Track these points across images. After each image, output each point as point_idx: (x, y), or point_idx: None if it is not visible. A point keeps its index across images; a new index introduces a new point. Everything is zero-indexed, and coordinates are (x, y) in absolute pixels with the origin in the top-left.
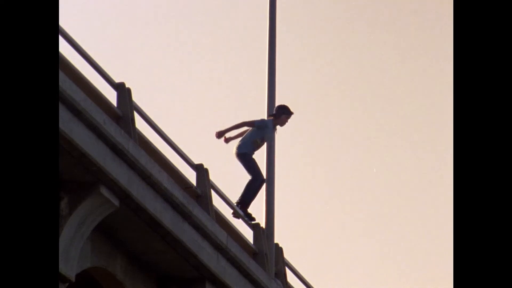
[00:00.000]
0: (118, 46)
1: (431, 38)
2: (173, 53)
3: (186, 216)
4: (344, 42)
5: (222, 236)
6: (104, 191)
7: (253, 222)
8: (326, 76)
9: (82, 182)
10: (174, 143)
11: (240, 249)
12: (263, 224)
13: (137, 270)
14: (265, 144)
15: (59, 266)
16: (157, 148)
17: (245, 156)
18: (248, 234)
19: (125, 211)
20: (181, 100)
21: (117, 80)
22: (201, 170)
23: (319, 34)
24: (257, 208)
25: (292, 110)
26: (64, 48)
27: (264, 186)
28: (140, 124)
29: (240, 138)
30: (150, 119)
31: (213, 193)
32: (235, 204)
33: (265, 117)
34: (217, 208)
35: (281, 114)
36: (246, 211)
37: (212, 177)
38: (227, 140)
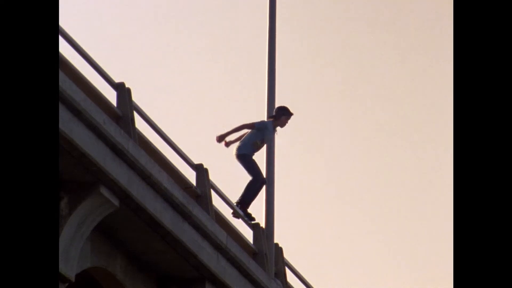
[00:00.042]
0: (118, 46)
1: (431, 38)
2: (173, 53)
3: (186, 216)
4: (344, 42)
5: (222, 236)
6: (104, 191)
7: (253, 222)
8: (326, 76)
9: (82, 182)
10: (174, 143)
11: (240, 249)
12: (263, 224)
13: (137, 270)
14: (265, 145)
15: (59, 266)
16: (157, 148)
17: (245, 157)
18: (248, 234)
19: (125, 211)
20: (181, 100)
21: (117, 80)
22: (201, 170)
23: (319, 34)
24: (257, 208)
25: (291, 111)
26: (64, 48)
27: (264, 187)
28: (140, 124)
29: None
30: (150, 119)
31: (213, 193)
32: (235, 204)
33: (265, 118)
34: (217, 208)
35: (281, 115)
36: (246, 211)
37: (212, 177)
38: (228, 144)
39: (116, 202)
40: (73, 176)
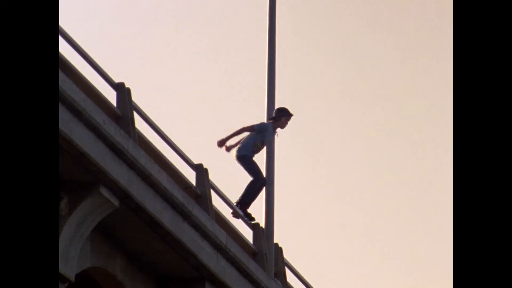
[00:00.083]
0: (118, 46)
1: (431, 38)
2: (173, 53)
3: (185, 216)
4: (344, 42)
5: (221, 236)
6: (103, 191)
7: (252, 222)
8: (326, 76)
9: (82, 182)
10: (173, 143)
11: (239, 249)
12: (262, 224)
13: (136, 270)
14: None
15: (59, 266)
16: (156, 148)
17: (245, 158)
18: (247, 234)
19: (124, 211)
20: (181, 100)
21: (116, 80)
22: (200, 170)
23: (319, 34)
24: (256, 208)
25: (291, 112)
26: (64, 48)
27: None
28: (139, 124)
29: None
30: (150, 119)
31: (212, 193)
32: (234, 204)
33: (265, 118)
34: (216, 208)
35: (280, 116)
36: (246, 211)
37: (212, 177)
38: (229, 149)
39: (116, 202)
40: (73, 176)
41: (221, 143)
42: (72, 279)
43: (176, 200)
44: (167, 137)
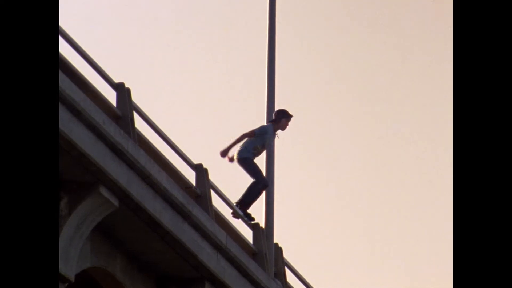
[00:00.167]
0: (118, 46)
1: (431, 38)
2: (173, 53)
3: (185, 216)
4: (344, 42)
5: (221, 236)
6: (103, 191)
7: (252, 222)
8: (326, 76)
9: (82, 182)
10: (173, 143)
11: (239, 249)
12: (262, 224)
13: (136, 270)
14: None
15: (59, 266)
16: (156, 148)
17: (246, 160)
18: (247, 234)
19: (124, 211)
20: (181, 100)
21: (116, 80)
22: (200, 170)
23: (319, 35)
24: (256, 208)
25: (291, 113)
26: (64, 48)
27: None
28: (139, 124)
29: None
30: (150, 119)
31: (212, 193)
32: (235, 204)
33: (265, 118)
34: (216, 208)
35: (280, 118)
36: (246, 211)
37: (212, 177)
38: (232, 160)
39: (115, 202)
40: (73, 176)
41: (224, 153)
42: (72, 279)
43: (176, 200)
44: (167, 137)
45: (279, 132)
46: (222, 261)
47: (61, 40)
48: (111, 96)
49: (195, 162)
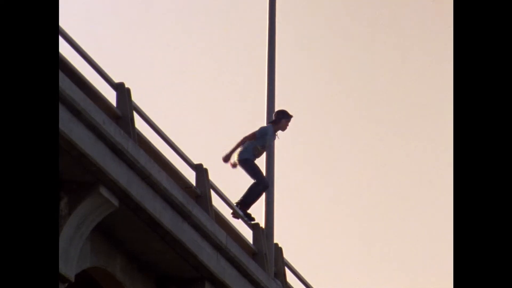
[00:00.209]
0: (118, 46)
1: (431, 38)
2: (173, 53)
3: (185, 216)
4: (344, 42)
5: (221, 236)
6: (103, 191)
7: (252, 222)
8: (326, 77)
9: (82, 182)
10: (173, 143)
11: (239, 249)
12: (262, 224)
13: (136, 270)
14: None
15: (59, 266)
16: (156, 148)
17: (247, 161)
18: (247, 234)
19: (124, 211)
20: (181, 100)
21: (116, 80)
22: (200, 170)
23: (319, 35)
24: (256, 208)
25: (291, 113)
26: (64, 48)
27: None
28: (139, 124)
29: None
30: (150, 119)
31: (212, 193)
32: (235, 204)
33: (265, 118)
34: (216, 208)
35: (280, 119)
36: (246, 211)
37: (212, 177)
38: (235, 165)
39: (115, 202)
40: (73, 176)
41: (226, 159)
42: (72, 279)
43: (176, 200)
44: (167, 137)
45: (279, 132)
46: (222, 261)
47: (61, 40)
48: (111, 96)
49: (195, 162)
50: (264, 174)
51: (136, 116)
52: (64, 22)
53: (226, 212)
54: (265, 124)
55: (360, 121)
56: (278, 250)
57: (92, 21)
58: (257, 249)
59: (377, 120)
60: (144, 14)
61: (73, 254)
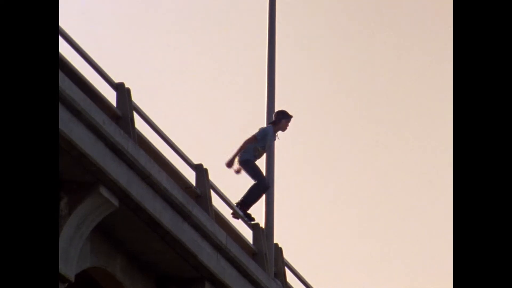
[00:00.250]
0: (118, 46)
1: (431, 38)
2: (173, 53)
3: (185, 216)
4: (344, 42)
5: (221, 236)
6: (103, 191)
7: (252, 222)
8: (326, 77)
9: (82, 182)
10: (173, 143)
11: (239, 249)
12: (262, 224)
13: (136, 270)
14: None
15: (59, 266)
16: (156, 148)
17: (247, 162)
18: (247, 234)
19: (124, 211)
20: (181, 100)
21: (116, 80)
22: (200, 170)
23: (319, 35)
24: (256, 208)
25: (291, 113)
26: (64, 48)
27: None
28: (139, 124)
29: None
30: (150, 119)
31: (212, 193)
32: (235, 204)
33: (264, 118)
34: (216, 208)
35: (280, 119)
36: (246, 211)
37: (212, 177)
38: (238, 171)
39: (115, 202)
40: (73, 176)
41: (230, 164)
42: (72, 279)
43: (176, 200)
44: (167, 137)
45: (279, 133)
46: (222, 261)
47: (61, 40)
48: (111, 96)
49: (195, 162)
50: (264, 174)
51: (136, 116)
52: (64, 22)
53: (226, 212)
54: (265, 125)
55: (360, 121)
56: (278, 250)
57: (92, 21)
58: (257, 249)
59: (377, 120)
60: (144, 14)
61: (73, 254)
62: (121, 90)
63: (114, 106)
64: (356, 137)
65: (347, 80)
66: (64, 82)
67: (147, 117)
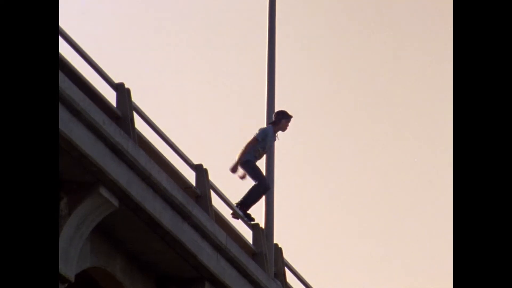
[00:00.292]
0: (118, 46)
1: (431, 38)
2: (173, 53)
3: (185, 216)
4: (344, 43)
5: (221, 237)
6: (103, 191)
7: (252, 222)
8: (326, 77)
9: (82, 182)
10: (173, 143)
11: (239, 250)
12: (262, 225)
13: (136, 270)
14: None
15: (59, 266)
16: (156, 149)
17: (248, 163)
18: (247, 234)
19: (124, 211)
20: (180, 100)
21: (116, 80)
22: (200, 171)
23: (319, 35)
24: (256, 209)
25: (290, 113)
26: (64, 48)
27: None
28: (139, 124)
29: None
30: (150, 119)
31: (212, 193)
32: (235, 205)
33: (264, 118)
34: (216, 209)
35: (280, 119)
36: (246, 211)
37: (212, 177)
38: (243, 177)
39: (115, 202)
40: (73, 176)
41: (234, 169)
42: (72, 279)
43: (176, 200)
44: (167, 137)
45: (279, 133)
46: (222, 261)
47: (61, 40)
48: (111, 96)
49: (195, 162)
50: (264, 174)
51: (136, 116)
52: (64, 22)
53: (226, 212)
54: (265, 125)
55: (360, 121)
56: (278, 250)
57: (92, 21)
58: (257, 250)
59: (377, 120)
60: (144, 14)
61: (73, 254)
62: (121, 90)
63: (114, 106)
64: (356, 137)
65: (347, 80)
66: (64, 82)
67: (147, 117)
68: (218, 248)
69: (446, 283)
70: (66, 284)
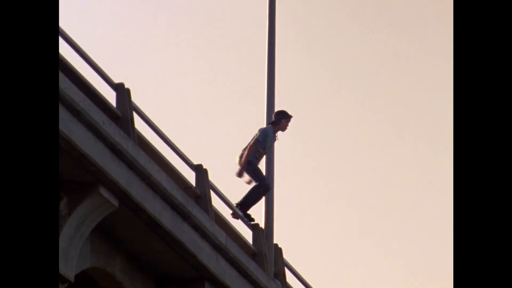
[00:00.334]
0: (118, 46)
1: (431, 38)
2: (173, 53)
3: (185, 216)
4: (344, 42)
5: (221, 237)
6: (103, 191)
7: (252, 222)
8: (326, 77)
9: (82, 182)
10: (173, 144)
11: (239, 250)
12: (262, 225)
13: (136, 270)
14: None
15: (59, 266)
16: (156, 149)
17: (249, 164)
18: (247, 234)
19: (124, 211)
20: (180, 100)
21: (116, 80)
22: (200, 171)
23: (319, 35)
24: (256, 209)
25: (290, 113)
26: (63, 49)
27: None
28: (139, 124)
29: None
30: (149, 119)
31: (212, 193)
32: (235, 205)
33: (264, 119)
34: (216, 209)
35: (280, 119)
36: (246, 211)
37: (212, 177)
38: (250, 182)
39: (115, 202)
40: (73, 176)
41: (240, 174)
42: (72, 279)
43: (176, 200)
44: (167, 137)
45: (279, 133)
46: (222, 261)
47: (61, 40)
48: (111, 96)
49: (195, 162)
50: (264, 174)
51: (135, 116)
52: (64, 22)
53: (226, 212)
54: (264, 125)
55: (360, 121)
56: (278, 251)
57: (92, 21)
58: (257, 250)
59: (377, 120)
60: (144, 14)
61: (73, 254)
62: (121, 90)
63: (114, 106)
64: (356, 137)
65: (347, 80)
66: (64, 83)
67: (147, 117)
68: (218, 248)
69: (446, 283)
70: (66, 284)
